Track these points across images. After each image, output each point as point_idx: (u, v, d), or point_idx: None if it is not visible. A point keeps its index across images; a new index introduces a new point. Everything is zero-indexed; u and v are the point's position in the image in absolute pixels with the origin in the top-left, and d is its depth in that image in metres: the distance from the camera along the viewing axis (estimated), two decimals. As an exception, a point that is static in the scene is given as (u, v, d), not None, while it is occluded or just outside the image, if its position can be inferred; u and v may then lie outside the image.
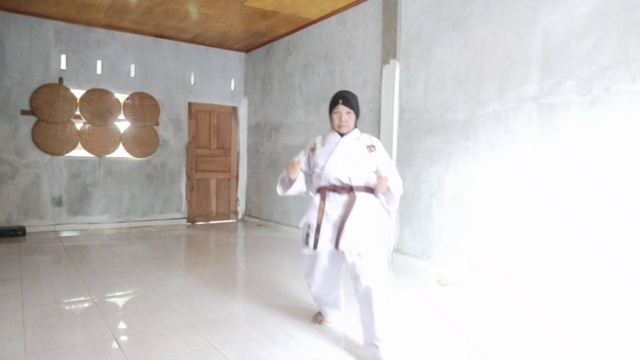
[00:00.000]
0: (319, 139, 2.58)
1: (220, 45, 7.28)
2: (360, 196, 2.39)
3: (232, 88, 7.57)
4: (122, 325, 2.75)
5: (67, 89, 6.14)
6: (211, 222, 7.42)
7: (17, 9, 5.70)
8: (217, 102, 7.44)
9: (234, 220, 7.66)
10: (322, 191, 2.43)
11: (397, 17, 4.58)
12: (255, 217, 7.42)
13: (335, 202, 2.39)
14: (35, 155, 6.00)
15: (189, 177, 7.22)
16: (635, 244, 2.86)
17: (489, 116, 3.77)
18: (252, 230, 6.70)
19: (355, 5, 5.22)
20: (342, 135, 2.47)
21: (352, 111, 2.45)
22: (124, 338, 2.55)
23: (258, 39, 6.88)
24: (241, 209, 7.77)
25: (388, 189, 2.35)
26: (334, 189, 2.40)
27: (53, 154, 6.10)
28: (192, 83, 7.18)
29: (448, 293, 3.52)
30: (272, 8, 5.46)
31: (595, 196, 3.05)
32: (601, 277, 3.02)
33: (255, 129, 7.48)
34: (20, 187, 5.91)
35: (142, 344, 2.46)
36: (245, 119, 7.74)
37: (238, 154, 7.73)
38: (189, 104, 7.19)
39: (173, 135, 7.06)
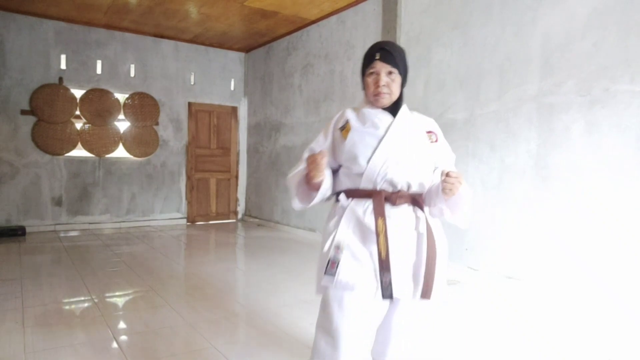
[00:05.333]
0: (350, 114, 1.66)
1: (220, 45, 7.28)
2: (430, 219, 1.60)
3: (232, 88, 7.57)
4: (122, 325, 2.75)
5: (67, 89, 6.14)
6: (211, 222, 7.42)
7: (17, 9, 5.70)
8: (217, 102, 7.44)
9: (234, 220, 7.66)
10: (376, 200, 1.52)
11: (396, 17, 4.59)
12: (255, 217, 7.42)
13: (390, 219, 1.52)
14: (35, 155, 6.00)
15: (188, 177, 7.22)
16: (635, 243, 2.86)
17: (489, 116, 3.77)
18: (252, 230, 6.70)
19: (355, 5, 5.22)
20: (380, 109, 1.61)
21: (395, 71, 1.57)
22: (124, 338, 2.55)
23: (258, 39, 6.88)
24: (241, 209, 7.77)
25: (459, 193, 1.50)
26: (387, 197, 1.53)
27: (53, 153, 6.10)
28: (192, 83, 7.18)
29: (448, 293, 3.51)
30: (272, 8, 5.46)
31: (595, 196, 3.06)
32: (601, 277, 3.02)
33: (255, 129, 7.48)
34: (20, 187, 5.91)
35: (142, 344, 2.46)
36: (245, 119, 7.74)
37: (238, 154, 7.73)
38: (189, 104, 7.19)
39: (173, 135, 7.06)
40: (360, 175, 1.54)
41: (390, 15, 4.67)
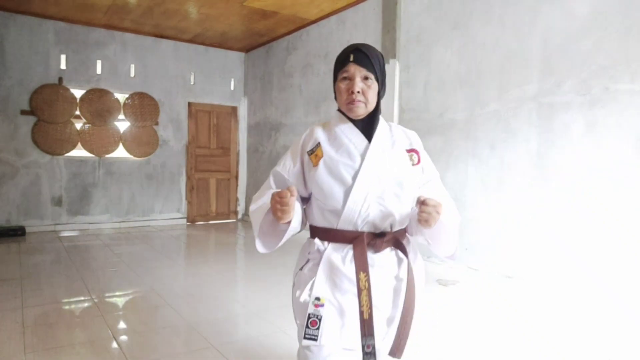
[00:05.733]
0: (320, 134, 1.46)
1: (220, 45, 7.28)
2: (413, 260, 1.44)
3: (232, 88, 7.57)
4: (122, 325, 2.75)
5: (67, 89, 6.14)
6: (211, 222, 7.42)
7: (17, 9, 5.70)
8: (216, 102, 7.44)
9: (234, 220, 7.66)
10: (358, 250, 1.33)
11: (396, 17, 4.58)
12: (255, 217, 7.41)
13: (373, 268, 1.34)
14: (35, 155, 6.00)
15: (188, 177, 7.22)
16: (635, 243, 2.86)
17: (489, 116, 3.77)
18: (252, 230, 6.68)
19: (354, 5, 5.22)
20: (354, 120, 1.42)
21: (371, 76, 1.36)
22: (124, 338, 2.55)
23: (258, 39, 6.88)
24: (241, 208, 7.77)
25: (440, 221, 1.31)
26: (369, 242, 1.36)
27: (53, 154, 6.10)
28: (192, 83, 7.18)
29: (448, 293, 3.52)
30: (271, 8, 5.46)
31: (595, 196, 3.05)
32: (601, 277, 3.01)
33: (255, 129, 7.49)
34: (20, 187, 5.91)
35: (142, 344, 2.46)
36: (245, 119, 7.74)
37: (238, 154, 7.73)
38: (189, 103, 7.19)
39: (173, 135, 7.06)
40: (336, 213, 1.35)
41: (390, 15, 4.67)
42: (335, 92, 1.44)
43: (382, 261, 1.36)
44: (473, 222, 3.87)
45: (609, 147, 3.00)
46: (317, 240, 1.40)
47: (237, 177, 7.73)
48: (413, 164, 1.42)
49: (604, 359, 2.36)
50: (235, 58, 7.57)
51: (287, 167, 1.46)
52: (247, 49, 7.49)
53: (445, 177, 4.12)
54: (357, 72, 1.35)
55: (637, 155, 2.87)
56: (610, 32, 3.01)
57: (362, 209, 1.33)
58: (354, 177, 1.33)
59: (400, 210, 1.38)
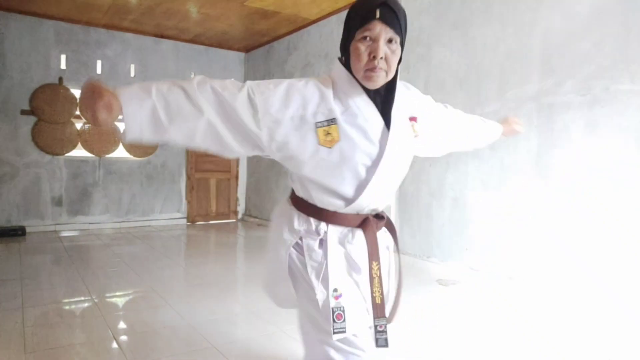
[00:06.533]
0: (333, 104, 1.20)
1: (220, 45, 7.28)
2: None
3: (232, 88, 7.57)
4: (122, 325, 2.76)
5: (67, 89, 6.14)
6: (211, 222, 7.42)
7: (17, 9, 5.70)
8: (217, 102, 7.44)
9: (234, 220, 7.66)
10: (370, 241, 1.31)
11: (397, 17, 4.58)
12: (255, 217, 7.42)
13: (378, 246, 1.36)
14: (35, 155, 6.00)
15: (188, 177, 7.22)
16: (635, 243, 2.85)
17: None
18: (252, 230, 6.70)
19: (355, 5, 5.22)
20: (368, 91, 1.22)
21: (397, 39, 1.16)
22: (124, 338, 2.55)
23: (258, 39, 6.88)
24: (241, 208, 7.77)
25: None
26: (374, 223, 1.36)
27: (53, 154, 6.10)
28: (192, 83, 7.17)
29: (448, 293, 3.52)
30: (272, 8, 5.46)
31: (595, 196, 3.05)
32: (601, 277, 3.01)
33: (255, 129, 7.48)
34: (20, 187, 5.91)
35: (142, 344, 2.46)
36: (245, 119, 7.73)
37: (238, 154, 7.72)
38: (189, 104, 7.19)
39: (173, 135, 7.05)
40: (342, 200, 1.27)
41: (390, 15, 4.66)
42: (347, 53, 1.19)
43: (379, 238, 1.37)
44: (473, 222, 3.87)
45: (609, 147, 3.00)
46: (312, 219, 1.33)
47: (237, 177, 7.73)
48: (415, 136, 1.34)
49: (604, 359, 2.36)
50: (235, 58, 7.57)
51: (273, 102, 1.24)
52: (247, 49, 7.49)
53: (445, 177, 4.12)
54: (383, 32, 1.13)
55: (637, 155, 2.87)
56: (610, 32, 3.01)
57: (371, 201, 1.29)
58: (369, 170, 1.23)
59: (395, 190, 1.42)
